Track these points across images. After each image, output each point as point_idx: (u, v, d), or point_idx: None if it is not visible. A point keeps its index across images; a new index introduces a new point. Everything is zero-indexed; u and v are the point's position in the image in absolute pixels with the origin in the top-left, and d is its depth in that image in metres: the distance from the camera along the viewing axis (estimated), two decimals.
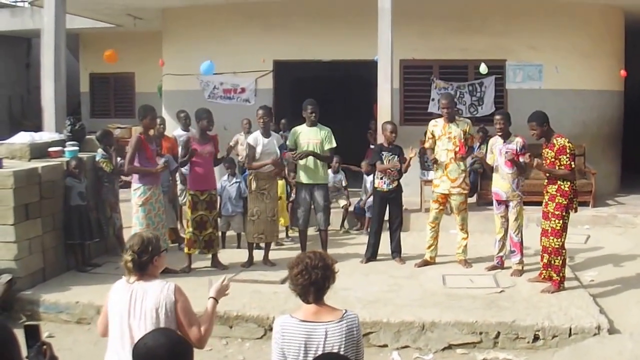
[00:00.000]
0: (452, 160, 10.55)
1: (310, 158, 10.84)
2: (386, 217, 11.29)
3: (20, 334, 3.21)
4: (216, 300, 5.07)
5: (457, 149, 10.53)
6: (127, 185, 10.86)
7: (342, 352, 4.27)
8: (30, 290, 9.70)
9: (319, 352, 4.27)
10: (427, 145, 10.87)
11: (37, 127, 15.23)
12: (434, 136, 10.69)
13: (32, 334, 3.59)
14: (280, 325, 4.44)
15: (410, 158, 10.93)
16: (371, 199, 12.41)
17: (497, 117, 10.30)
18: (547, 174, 9.39)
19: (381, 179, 11.00)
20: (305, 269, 4.42)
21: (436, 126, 10.70)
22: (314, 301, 4.45)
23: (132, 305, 4.78)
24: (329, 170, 12.21)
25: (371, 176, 12.23)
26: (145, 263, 4.86)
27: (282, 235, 12.40)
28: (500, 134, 10.18)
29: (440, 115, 10.98)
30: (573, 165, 9.18)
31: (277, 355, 4.43)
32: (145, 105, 10.64)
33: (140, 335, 4.39)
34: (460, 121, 10.70)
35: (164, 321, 4.72)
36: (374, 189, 11.27)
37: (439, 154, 10.63)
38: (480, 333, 8.30)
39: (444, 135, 10.58)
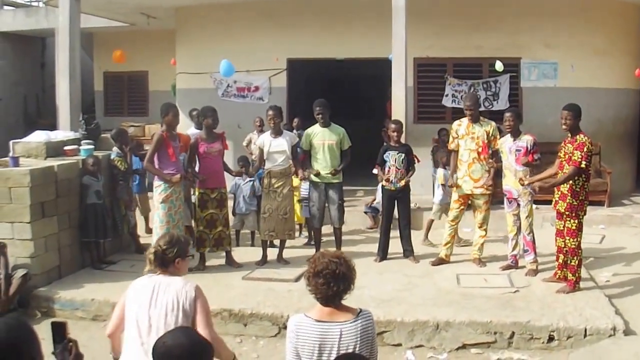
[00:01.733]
0: (475, 160, 10.51)
1: (327, 156, 10.88)
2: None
3: (40, 331, 3.24)
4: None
5: (480, 149, 10.48)
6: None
7: (357, 352, 4.26)
8: (45, 287, 9.77)
9: (334, 352, 4.27)
10: (451, 146, 10.78)
11: (52, 126, 15.31)
12: (457, 136, 10.64)
13: (59, 331, 3.64)
14: (295, 324, 4.42)
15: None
16: (379, 198, 12.44)
17: (507, 114, 10.24)
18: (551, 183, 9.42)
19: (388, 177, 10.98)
20: (332, 277, 4.34)
21: (460, 125, 10.66)
22: (332, 305, 4.42)
23: (154, 296, 4.84)
24: None
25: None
26: (168, 260, 4.95)
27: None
28: (509, 131, 10.14)
29: (459, 112, 10.88)
30: (583, 165, 9.01)
31: (291, 354, 4.41)
32: (168, 103, 10.69)
33: (159, 325, 4.73)
34: (485, 122, 10.60)
35: (182, 314, 4.77)
36: (382, 187, 11.25)
37: (461, 154, 10.60)
38: (495, 333, 8.26)
39: (467, 135, 10.53)
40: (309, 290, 4.47)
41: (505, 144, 10.20)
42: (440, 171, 12.00)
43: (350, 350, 4.28)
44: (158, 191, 10.14)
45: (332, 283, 4.34)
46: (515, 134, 10.11)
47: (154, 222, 10.22)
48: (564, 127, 9.24)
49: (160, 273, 4.96)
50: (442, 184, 11.95)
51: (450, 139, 10.84)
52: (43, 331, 3.59)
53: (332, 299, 4.40)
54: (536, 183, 9.67)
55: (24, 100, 23.91)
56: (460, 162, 10.66)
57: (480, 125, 10.53)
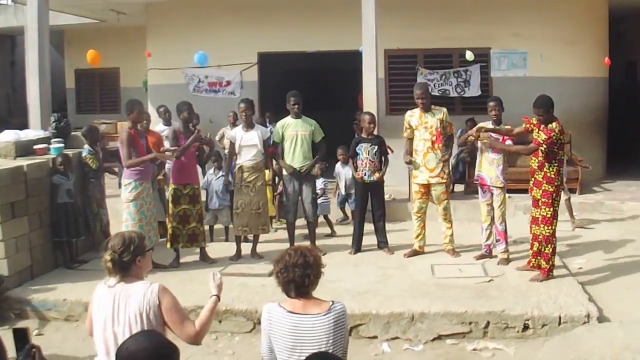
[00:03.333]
0: (429, 149, 10.48)
1: (298, 148, 10.85)
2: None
3: (9, 335, 3.19)
4: (218, 297, 4.97)
5: (434, 138, 10.47)
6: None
7: (330, 343, 4.37)
8: (18, 288, 9.67)
9: (307, 345, 4.35)
10: (405, 135, 10.77)
11: (24, 125, 15.09)
12: (411, 127, 10.63)
13: (21, 337, 3.57)
14: (268, 312, 4.54)
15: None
16: (343, 191, 12.61)
17: (492, 103, 10.26)
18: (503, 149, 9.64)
19: (362, 170, 10.96)
20: (285, 267, 4.50)
21: (412, 116, 10.64)
22: (295, 297, 4.53)
23: (115, 311, 4.67)
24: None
25: (343, 167, 12.52)
26: (128, 263, 4.72)
27: None
28: (495, 119, 10.15)
29: (434, 102, 10.86)
30: (542, 148, 9.03)
31: (265, 341, 4.55)
32: (132, 100, 10.57)
33: None
34: (437, 110, 10.57)
35: (148, 325, 4.60)
36: (355, 180, 11.23)
37: (416, 144, 10.58)
38: (470, 323, 8.27)
39: (420, 125, 10.51)
40: (280, 285, 4.57)
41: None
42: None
43: (322, 343, 4.36)
44: (128, 189, 10.02)
45: (284, 269, 4.49)
46: (498, 123, 10.13)
47: (125, 221, 10.06)
48: (538, 120, 9.24)
49: (120, 280, 4.73)
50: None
51: (404, 128, 10.79)
52: (7, 338, 3.55)
53: (303, 290, 4.51)
54: (491, 140, 9.77)
55: None
56: (415, 152, 10.64)
57: (432, 114, 10.51)
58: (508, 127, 9.95)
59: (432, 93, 14.16)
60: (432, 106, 10.63)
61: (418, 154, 10.59)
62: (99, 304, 4.75)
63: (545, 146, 9.03)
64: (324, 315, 4.44)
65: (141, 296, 4.65)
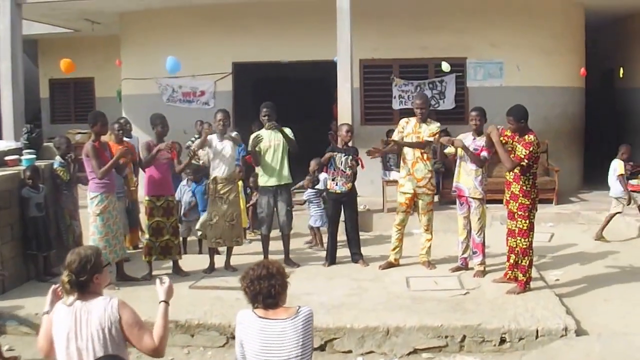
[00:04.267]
0: (419, 159, 10.40)
1: (275, 158, 10.73)
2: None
3: None
4: (167, 303, 4.94)
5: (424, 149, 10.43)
6: None
7: (300, 346, 4.57)
8: None
9: (275, 349, 4.55)
10: (394, 137, 10.65)
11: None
12: (402, 132, 10.50)
13: None
14: (240, 317, 4.74)
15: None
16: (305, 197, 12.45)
17: (473, 113, 10.16)
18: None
19: (333, 180, 10.88)
20: (250, 281, 4.72)
21: (408, 123, 10.53)
22: (264, 308, 4.69)
23: (77, 327, 4.62)
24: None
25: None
26: (85, 282, 4.69)
27: None
28: (475, 129, 10.05)
29: (408, 114, 10.78)
30: (524, 163, 8.96)
31: (238, 346, 4.71)
32: (95, 112, 10.51)
33: (89, 358, 4.55)
34: (432, 123, 10.49)
35: (110, 341, 4.60)
36: (327, 191, 11.14)
37: (406, 153, 10.48)
38: (446, 337, 8.17)
39: (413, 134, 10.42)
40: (248, 299, 4.77)
41: (465, 140, 10.03)
42: (617, 162, 12.15)
43: (292, 347, 4.56)
44: (95, 202, 9.86)
45: (264, 283, 4.68)
46: (479, 133, 10.03)
47: (92, 234, 9.92)
48: (510, 129, 9.20)
49: (78, 298, 4.68)
50: (620, 175, 12.06)
51: (395, 132, 10.69)
52: None
53: (271, 301, 4.69)
54: (456, 143, 9.81)
55: None
56: (404, 161, 10.55)
57: (427, 124, 10.43)
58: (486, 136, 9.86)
59: (406, 106, 14.16)
60: (428, 119, 10.54)
61: (407, 163, 10.49)
62: (60, 322, 4.68)
63: (526, 161, 8.96)
64: (292, 319, 4.62)
65: (102, 311, 4.63)
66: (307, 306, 4.82)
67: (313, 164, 12.35)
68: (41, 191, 10.47)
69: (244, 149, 12.23)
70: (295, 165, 11.41)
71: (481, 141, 9.90)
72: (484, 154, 9.88)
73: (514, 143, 9.12)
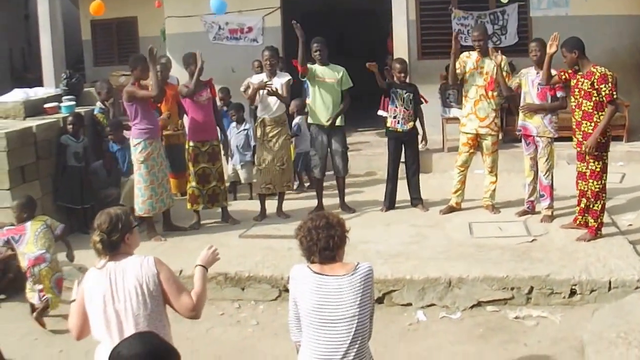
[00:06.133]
0: (482, 97, 9.87)
1: (327, 96, 10.26)
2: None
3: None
4: (205, 268, 4.81)
5: (488, 85, 9.86)
6: None
7: (356, 305, 4.28)
8: None
9: (331, 306, 4.28)
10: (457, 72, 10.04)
11: (41, 79, 14.76)
12: (463, 66, 9.93)
13: None
14: (294, 272, 4.48)
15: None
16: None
17: (533, 44, 9.61)
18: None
19: (394, 117, 10.36)
20: (307, 230, 4.44)
21: (469, 58, 9.98)
22: (320, 261, 4.42)
23: (113, 289, 4.46)
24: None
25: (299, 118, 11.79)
26: (117, 242, 4.56)
27: None
28: (535, 61, 9.46)
29: (471, 48, 10.21)
30: (615, 96, 8.42)
31: (292, 306, 4.50)
32: (135, 55, 10.19)
33: (128, 320, 4.40)
34: (495, 56, 9.90)
35: (150, 298, 4.45)
36: (387, 129, 10.60)
37: (468, 90, 9.97)
38: (512, 288, 7.76)
39: (475, 70, 9.88)
40: (303, 252, 4.49)
41: (528, 76, 9.54)
42: None
43: (348, 305, 4.28)
44: (138, 149, 9.53)
45: (323, 234, 4.40)
46: (540, 67, 9.38)
47: (137, 183, 9.63)
48: (566, 65, 8.72)
49: (109, 259, 4.54)
50: None
51: (458, 65, 10.02)
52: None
53: (328, 253, 4.40)
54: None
55: (9, 54, 23.28)
56: (466, 99, 10.06)
57: (490, 59, 9.86)
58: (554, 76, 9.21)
59: (466, 42, 13.49)
60: (492, 50, 10.00)
61: (469, 101, 9.98)
62: (93, 287, 4.51)
63: (616, 94, 8.45)
64: (350, 275, 4.35)
65: (138, 268, 4.50)
66: (366, 262, 4.49)
67: (293, 105, 11.66)
68: (81, 140, 10.16)
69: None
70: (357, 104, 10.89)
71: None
72: (560, 93, 9.35)
73: (582, 80, 8.52)
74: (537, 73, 9.41)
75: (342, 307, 4.27)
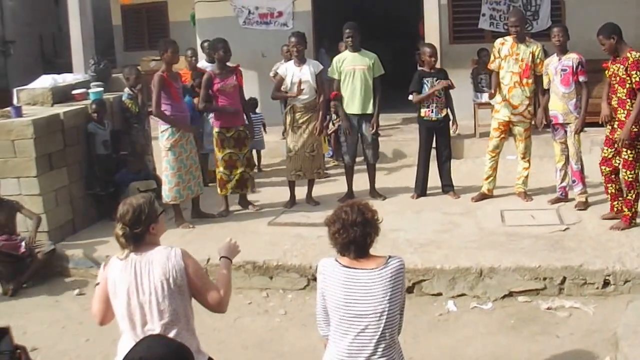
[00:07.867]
0: (516, 84, 9.71)
1: (357, 85, 10.13)
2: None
3: None
4: (229, 259, 4.75)
5: (523, 72, 9.69)
6: None
7: (386, 300, 4.15)
8: (59, 244, 9.22)
9: (360, 301, 4.16)
10: (492, 66, 9.99)
11: (70, 65, 14.76)
12: (500, 56, 9.82)
13: (2, 337, 3.34)
14: (322, 266, 4.35)
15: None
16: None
17: (555, 29, 9.43)
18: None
19: (428, 107, 10.21)
20: (342, 226, 4.23)
21: (504, 44, 9.82)
22: (354, 257, 4.26)
23: (138, 281, 4.35)
24: None
25: None
26: (141, 234, 4.40)
27: None
28: (558, 47, 9.31)
29: (506, 33, 10.05)
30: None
31: (320, 300, 4.38)
32: (165, 39, 10.12)
33: (152, 313, 4.33)
34: (531, 42, 9.77)
35: (176, 292, 4.36)
36: (420, 118, 10.45)
37: (502, 76, 9.82)
38: (544, 279, 7.61)
39: (510, 56, 9.72)
40: (337, 247, 4.32)
41: (551, 64, 9.39)
42: None
43: (377, 300, 4.14)
44: (165, 136, 9.45)
45: (342, 230, 4.24)
46: (563, 52, 9.28)
47: (165, 170, 9.57)
48: (605, 52, 8.46)
49: (135, 250, 4.39)
50: None
51: (492, 57, 10.03)
52: None
53: (350, 249, 4.26)
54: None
55: (39, 40, 23.41)
56: (500, 85, 9.88)
57: (526, 46, 9.70)
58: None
59: (498, 29, 13.30)
60: (527, 38, 9.84)
61: (503, 88, 9.83)
62: (117, 278, 4.41)
63: None
64: (380, 269, 4.20)
65: (165, 260, 4.38)
66: (398, 256, 4.32)
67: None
68: (107, 127, 10.12)
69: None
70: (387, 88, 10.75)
71: (568, 60, 9.19)
72: (582, 77, 9.17)
73: (615, 65, 8.31)
74: (560, 59, 9.28)
75: (371, 302, 4.15)
